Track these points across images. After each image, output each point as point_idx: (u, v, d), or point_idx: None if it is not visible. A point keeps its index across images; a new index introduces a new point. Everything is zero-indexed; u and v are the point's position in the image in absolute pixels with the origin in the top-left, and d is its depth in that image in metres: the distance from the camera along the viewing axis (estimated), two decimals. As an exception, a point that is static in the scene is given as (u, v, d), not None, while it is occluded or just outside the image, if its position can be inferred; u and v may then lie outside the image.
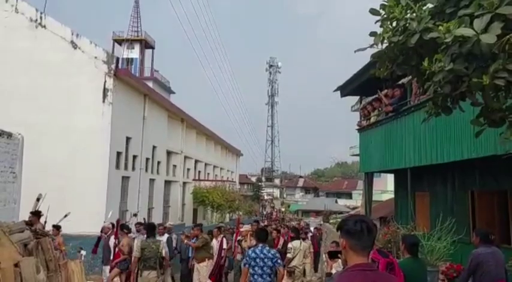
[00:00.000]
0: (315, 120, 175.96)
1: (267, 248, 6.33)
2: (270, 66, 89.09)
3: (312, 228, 22.76)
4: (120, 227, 9.85)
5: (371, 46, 4.13)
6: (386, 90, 11.41)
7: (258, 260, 6.12)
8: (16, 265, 5.92)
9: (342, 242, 2.49)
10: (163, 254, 8.00)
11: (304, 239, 12.25)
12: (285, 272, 9.17)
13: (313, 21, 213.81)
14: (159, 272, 7.92)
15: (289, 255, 9.26)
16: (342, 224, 2.54)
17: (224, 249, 10.57)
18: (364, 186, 15.34)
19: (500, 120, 3.90)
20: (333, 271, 5.04)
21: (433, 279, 6.40)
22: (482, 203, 8.81)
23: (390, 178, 18.85)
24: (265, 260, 6.13)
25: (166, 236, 10.72)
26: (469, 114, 4.99)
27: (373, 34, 4.06)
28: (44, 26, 18.65)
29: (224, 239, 10.79)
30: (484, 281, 5.59)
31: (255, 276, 6.08)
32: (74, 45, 18.53)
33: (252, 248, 6.43)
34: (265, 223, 24.19)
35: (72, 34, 18.71)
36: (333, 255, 4.38)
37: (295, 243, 9.46)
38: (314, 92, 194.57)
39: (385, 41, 4.09)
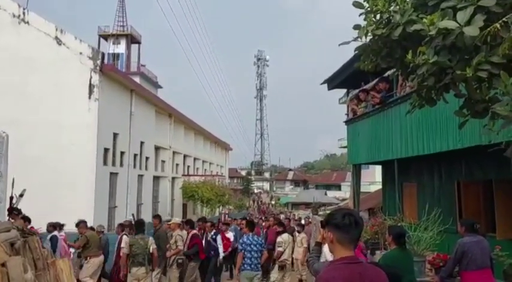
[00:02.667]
0: (304, 113, 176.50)
1: (255, 236, 8.19)
2: (258, 59, 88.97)
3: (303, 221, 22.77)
4: (10, 210, 9.50)
5: (355, 39, 4.15)
6: (374, 82, 11.44)
7: (252, 246, 7.82)
8: (3, 265, 5.87)
9: (329, 236, 2.50)
10: (151, 250, 7.97)
11: (299, 232, 12.19)
12: (276, 265, 9.15)
13: (302, 14, 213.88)
14: (148, 268, 7.91)
15: (280, 249, 9.23)
16: (329, 218, 2.55)
17: (122, 247, 9.43)
18: (352, 178, 15.43)
19: (483, 111, 3.94)
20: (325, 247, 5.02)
21: (420, 269, 6.47)
22: (468, 193, 8.92)
23: (378, 169, 18.99)
24: (257, 245, 7.89)
25: (55, 233, 9.84)
26: (454, 106, 5.03)
27: (357, 27, 4.07)
28: (27, 22, 18.36)
29: (124, 237, 9.57)
30: (470, 269, 5.68)
31: (251, 258, 7.79)
32: (59, 41, 18.27)
33: (245, 236, 8.05)
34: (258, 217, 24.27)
35: (57, 30, 18.44)
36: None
37: (285, 237, 9.46)
38: (303, 85, 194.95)
39: (369, 34, 4.10)
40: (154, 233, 9.51)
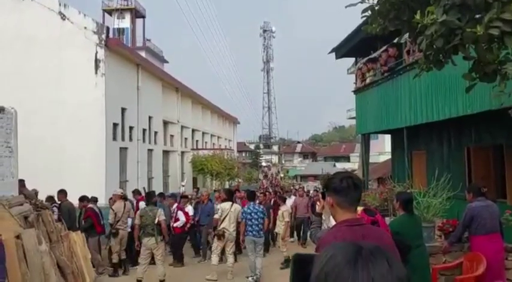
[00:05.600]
0: (311, 85, 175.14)
1: (256, 205, 9.12)
2: (264, 31, 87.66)
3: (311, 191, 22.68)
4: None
5: (362, 1, 4.05)
6: (382, 48, 11.24)
7: (252, 214, 8.60)
8: (18, 237, 6.00)
9: (328, 200, 2.51)
10: (159, 221, 8.06)
11: (280, 205, 11.59)
12: (215, 235, 9.16)
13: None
14: (158, 238, 8.04)
15: (216, 216, 9.11)
16: (328, 182, 2.55)
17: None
18: (361, 148, 15.40)
19: (493, 74, 3.87)
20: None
21: (429, 234, 6.51)
22: (478, 159, 8.87)
23: (387, 140, 18.91)
24: (258, 213, 8.70)
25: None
26: (463, 70, 4.95)
27: (364, -12, 3.97)
28: (30, -3, 18.17)
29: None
30: (479, 233, 5.70)
31: (252, 225, 8.58)
32: (63, 16, 18.09)
33: (247, 205, 8.94)
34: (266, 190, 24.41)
35: (60, 4, 18.23)
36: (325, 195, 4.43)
37: (223, 205, 9.20)
38: (310, 57, 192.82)
39: (376, -5, 4.01)
40: (59, 207, 9.51)
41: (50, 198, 10.03)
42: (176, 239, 10.50)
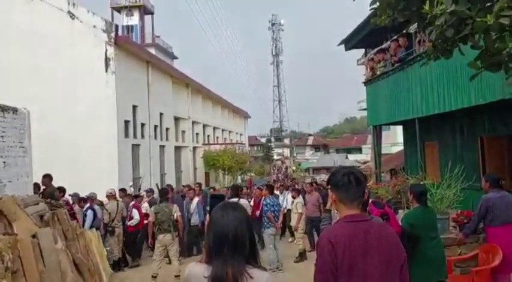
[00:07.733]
0: (321, 77, 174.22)
1: (274, 198, 10.07)
2: (273, 24, 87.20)
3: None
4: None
5: (370, -7, 4.00)
6: (393, 38, 11.13)
7: (274, 206, 9.50)
8: (34, 236, 6.08)
9: (331, 196, 2.51)
10: (176, 217, 8.13)
11: (294, 197, 11.29)
12: None
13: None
14: (174, 234, 8.08)
15: None
16: (330, 178, 2.56)
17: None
18: (372, 140, 15.30)
19: (499, 64, 3.81)
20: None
21: (443, 226, 6.45)
22: (491, 149, 8.76)
23: (399, 130, 18.75)
24: (277, 205, 9.72)
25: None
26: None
27: (371, -20, 3.93)
28: (40, -2, 18.30)
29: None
30: (494, 224, 5.64)
31: (273, 217, 9.34)
32: (72, 16, 18.21)
33: (269, 198, 9.75)
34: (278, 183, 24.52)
35: (69, 4, 18.36)
36: None
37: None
38: (319, 49, 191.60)
39: (385, -14, 3.96)
40: (43, 192, 9.33)
41: (35, 185, 10.01)
42: (129, 237, 10.44)
